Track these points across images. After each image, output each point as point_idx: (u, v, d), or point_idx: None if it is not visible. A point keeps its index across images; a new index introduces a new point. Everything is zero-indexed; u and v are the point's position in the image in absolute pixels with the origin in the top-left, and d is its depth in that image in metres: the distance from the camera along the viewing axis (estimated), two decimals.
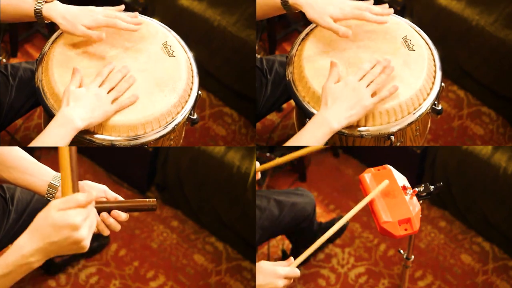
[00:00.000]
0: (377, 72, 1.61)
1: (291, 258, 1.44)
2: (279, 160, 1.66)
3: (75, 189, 1.19)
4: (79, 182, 1.44)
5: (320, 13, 1.66)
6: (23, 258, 1.13)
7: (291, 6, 1.69)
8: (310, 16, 1.67)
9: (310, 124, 1.58)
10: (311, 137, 1.57)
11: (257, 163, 1.69)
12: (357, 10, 1.67)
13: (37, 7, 1.63)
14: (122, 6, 1.73)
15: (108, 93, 1.59)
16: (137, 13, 1.74)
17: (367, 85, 1.59)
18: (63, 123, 1.52)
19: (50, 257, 1.15)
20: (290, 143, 1.58)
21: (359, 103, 1.57)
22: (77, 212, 1.13)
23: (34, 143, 1.51)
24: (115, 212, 1.40)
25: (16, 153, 1.48)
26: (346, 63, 1.69)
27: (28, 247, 1.13)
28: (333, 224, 2.38)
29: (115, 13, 1.69)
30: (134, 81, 1.64)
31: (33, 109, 1.90)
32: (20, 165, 1.46)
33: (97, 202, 1.42)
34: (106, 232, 1.41)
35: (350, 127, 1.62)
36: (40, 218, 1.14)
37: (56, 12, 1.64)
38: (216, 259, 2.39)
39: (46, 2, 1.64)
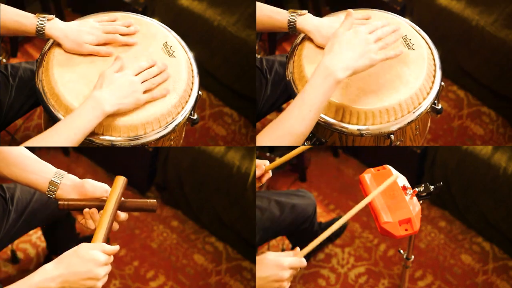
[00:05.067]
0: (387, 31, 1.58)
1: (297, 248, 1.39)
2: (287, 157, 1.64)
3: (104, 240, 1.35)
4: (82, 180, 1.45)
5: (328, 38, 1.67)
6: (45, 280, 1.26)
7: (297, 30, 1.74)
8: (319, 41, 1.72)
9: (315, 77, 1.49)
10: (317, 92, 1.48)
11: (267, 162, 1.67)
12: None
13: (39, 24, 1.65)
14: (114, 16, 1.76)
15: (142, 83, 1.61)
16: (131, 21, 1.76)
17: (376, 40, 1.55)
18: (93, 106, 1.53)
19: None
20: (298, 100, 1.50)
21: (367, 55, 1.51)
22: (103, 254, 1.30)
23: (63, 122, 1.53)
24: None
25: (18, 151, 1.48)
26: None
27: (52, 272, 1.27)
28: (333, 224, 2.42)
29: (115, 26, 1.72)
30: (168, 78, 1.67)
31: (33, 109, 1.89)
32: (21, 162, 1.47)
33: (97, 200, 1.43)
34: None
35: (350, 126, 1.62)
36: (71, 251, 1.30)
37: (58, 31, 1.66)
38: (216, 259, 2.39)
39: (48, 20, 1.65)
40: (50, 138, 1.51)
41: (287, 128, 1.49)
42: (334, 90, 1.49)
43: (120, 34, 1.72)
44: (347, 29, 1.55)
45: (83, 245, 1.30)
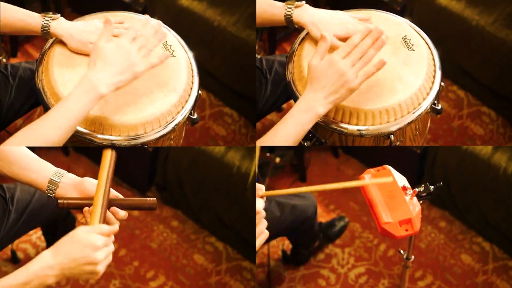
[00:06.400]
0: (366, 46, 1.48)
1: (263, 188, 1.36)
2: (287, 191, 1.60)
3: (102, 220, 1.32)
4: (81, 178, 1.45)
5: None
6: (43, 269, 1.24)
7: (294, 23, 1.69)
8: (315, 35, 1.67)
9: (296, 110, 1.51)
10: (296, 123, 1.50)
11: (263, 187, 1.61)
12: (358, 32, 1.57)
13: (44, 23, 1.65)
14: (121, 18, 1.73)
15: (139, 50, 1.51)
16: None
17: (353, 63, 1.47)
18: (88, 90, 1.46)
19: (65, 275, 1.25)
20: (276, 129, 1.51)
21: (345, 86, 1.47)
22: (100, 237, 1.27)
23: (57, 108, 1.48)
24: (113, 208, 1.41)
25: (18, 150, 1.49)
26: None
27: (50, 260, 1.24)
28: (333, 224, 2.42)
29: (120, 30, 1.66)
30: (164, 38, 1.60)
31: (33, 109, 1.90)
32: (21, 161, 1.47)
33: None
34: None
35: (350, 127, 1.62)
36: (67, 237, 1.27)
37: (64, 30, 1.66)
38: (216, 259, 2.39)
39: (53, 19, 1.65)
40: (44, 127, 1.47)
41: (39, 135, 1.47)
42: (95, 103, 1.48)
43: None
44: (107, 41, 1.51)
45: (80, 229, 1.27)
